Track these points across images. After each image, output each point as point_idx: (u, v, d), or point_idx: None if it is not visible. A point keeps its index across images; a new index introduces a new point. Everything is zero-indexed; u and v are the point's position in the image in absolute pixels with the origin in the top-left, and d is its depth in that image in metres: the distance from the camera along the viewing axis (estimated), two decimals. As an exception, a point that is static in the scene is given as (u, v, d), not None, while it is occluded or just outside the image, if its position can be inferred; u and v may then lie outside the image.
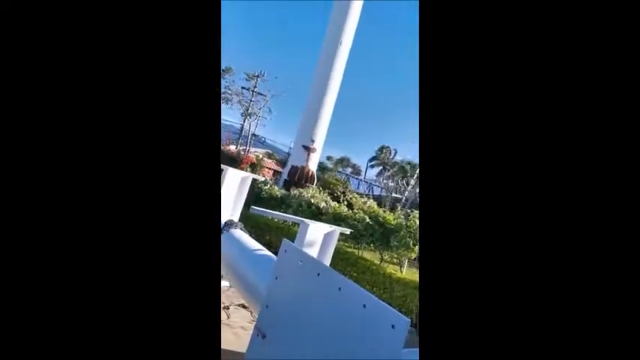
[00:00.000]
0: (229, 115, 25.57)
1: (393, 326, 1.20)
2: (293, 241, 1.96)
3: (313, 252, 2.34)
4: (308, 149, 14.58)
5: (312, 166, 15.03)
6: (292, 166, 14.63)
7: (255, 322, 1.77)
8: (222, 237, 2.62)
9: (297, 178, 14.02)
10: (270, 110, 23.77)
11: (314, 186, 8.65)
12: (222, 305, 3.09)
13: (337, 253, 6.19)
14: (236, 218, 3.27)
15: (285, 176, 14.41)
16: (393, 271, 5.27)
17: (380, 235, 5.62)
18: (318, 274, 1.57)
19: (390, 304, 1.33)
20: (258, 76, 24.00)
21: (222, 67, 24.37)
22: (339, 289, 1.45)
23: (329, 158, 29.96)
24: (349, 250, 5.98)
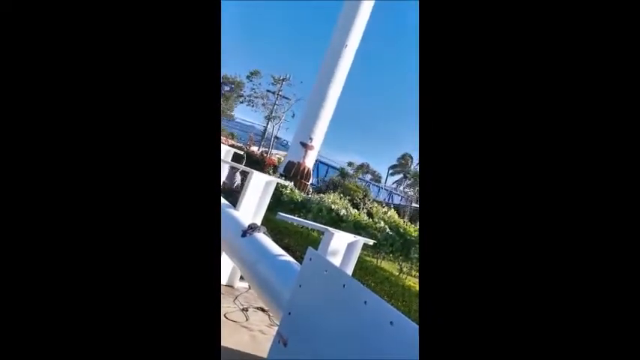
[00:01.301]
0: (253, 117, 25.99)
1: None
2: (315, 248, 1.96)
3: (336, 261, 2.33)
4: (305, 146, 14.65)
5: (309, 163, 15.09)
6: (289, 162, 14.73)
7: (275, 327, 1.77)
8: (246, 240, 2.65)
9: (293, 173, 14.13)
10: (293, 114, 23.93)
11: (335, 193, 8.62)
12: (240, 307, 3.12)
13: (356, 261, 6.12)
14: (259, 221, 3.31)
15: (281, 170, 14.41)
16: (412, 284, 5.17)
17: (400, 245, 5.54)
18: (344, 286, 1.55)
19: (408, 317, 1.30)
20: (284, 80, 24.29)
21: (251, 69, 24.82)
22: (365, 302, 1.43)
23: (350, 164, 29.88)
24: (368, 259, 5.92)
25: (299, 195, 7.91)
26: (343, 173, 21.65)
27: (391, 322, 1.31)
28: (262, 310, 3.14)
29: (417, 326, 1.25)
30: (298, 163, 14.64)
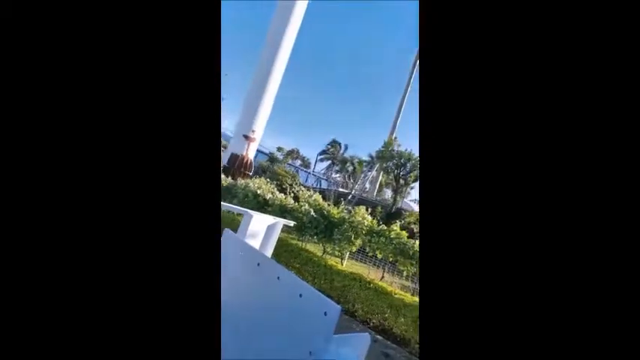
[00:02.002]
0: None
1: (325, 313, 1.28)
2: (236, 232, 1.96)
3: (256, 242, 2.37)
4: (248, 138, 14.93)
5: (251, 155, 15.52)
6: (232, 154, 15.06)
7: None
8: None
9: (237, 165, 14.56)
10: (221, 98, 22.82)
11: (262, 178, 8.58)
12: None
13: (281, 244, 6.23)
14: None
15: (224, 163, 14.65)
16: (334, 264, 5.45)
17: (324, 228, 5.77)
18: (258, 264, 1.60)
19: (329, 295, 1.40)
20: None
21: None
22: (278, 278, 1.50)
23: (279, 149, 29.73)
24: (293, 242, 6.06)
25: (224, 181, 7.69)
26: (272, 158, 21.48)
27: (300, 295, 1.40)
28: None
29: (325, 297, 1.36)
30: (240, 155, 14.97)
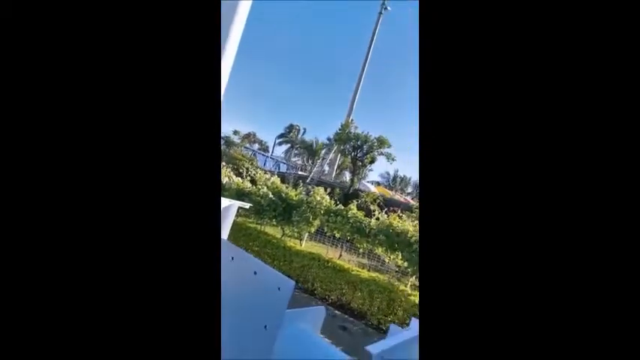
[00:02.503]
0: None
1: (279, 288, 1.32)
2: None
3: (210, 226, 2.33)
4: None
5: None
6: None
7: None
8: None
9: None
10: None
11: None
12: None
13: (240, 228, 6.17)
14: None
15: None
16: (293, 245, 5.52)
17: (282, 210, 5.79)
18: (212, 246, 1.60)
19: (289, 275, 1.43)
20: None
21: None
22: (232, 258, 1.51)
23: (235, 132, 28.92)
24: (252, 225, 6.03)
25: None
26: (228, 142, 20.88)
27: (255, 272, 1.43)
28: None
29: (279, 273, 1.40)
30: None
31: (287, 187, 6.10)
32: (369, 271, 5.38)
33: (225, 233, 2.46)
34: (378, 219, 5.30)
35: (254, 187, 6.15)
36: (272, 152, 35.75)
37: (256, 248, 5.37)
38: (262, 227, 6.07)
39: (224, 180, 6.34)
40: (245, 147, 25.92)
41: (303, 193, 6.00)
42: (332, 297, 4.99)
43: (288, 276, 1.42)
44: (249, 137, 32.86)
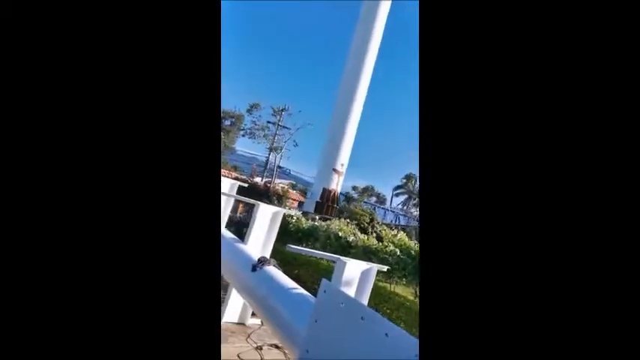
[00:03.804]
0: (255, 149, 26.33)
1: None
2: (324, 277, 1.90)
3: (351, 290, 2.27)
4: (337, 172, 15.96)
5: (338, 188, 16.71)
6: (324, 189, 16.46)
7: (293, 367, 1.69)
8: (256, 274, 2.59)
9: (327, 199, 15.90)
10: (295, 144, 24.28)
11: (341, 219, 8.57)
12: (255, 345, 3.00)
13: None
14: (268, 254, 3.25)
15: (317, 198, 15.76)
16: (428, 308, 5.00)
17: (412, 268, 5.41)
18: (362, 318, 1.49)
19: None
20: (283, 110, 24.78)
21: (251, 102, 25.44)
22: (386, 334, 1.37)
23: (354, 188, 29.86)
24: (381, 284, 5.78)
25: (305, 223, 7.85)
26: (348, 198, 21.58)
27: (416, 355, 1.24)
28: (277, 347, 3.03)
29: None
30: (331, 189, 16.47)
31: (415, 244, 5.75)
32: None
33: (365, 298, 2.35)
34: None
35: (380, 244, 5.99)
36: (390, 204, 35.25)
37: (388, 311, 5.04)
38: (392, 287, 5.74)
39: (350, 238, 6.39)
40: (364, 202, 26.29)
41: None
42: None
43: None
44: (367, 191, 33.39)
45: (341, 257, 2.27)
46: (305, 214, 12.34)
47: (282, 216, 3.43)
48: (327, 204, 15.70)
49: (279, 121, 24.74)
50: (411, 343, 1.26)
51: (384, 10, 17.32)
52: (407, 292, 5.77)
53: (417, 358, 1.22)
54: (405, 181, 35.62)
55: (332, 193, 16.36)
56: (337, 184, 16.69)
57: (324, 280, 1.76)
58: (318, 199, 15.93)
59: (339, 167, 16.60)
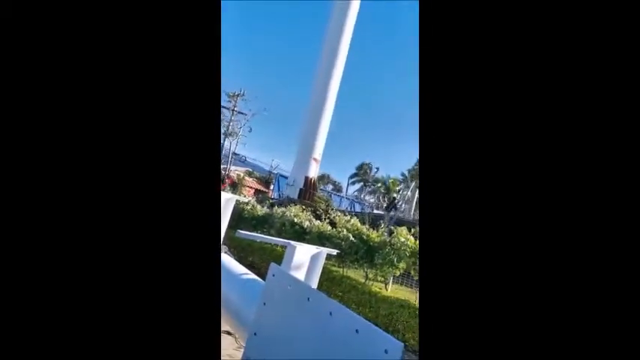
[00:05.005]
0: (209, 134, 25.28)
1: (386, 351, 1.18)
2: (279, 263, 1.93)
3: (301, 274, 2.31)
4: (316, 161, 16.99)
5: (314, 175, 17.82)
6: (306, 177, 17.27)
7: (242, 350, 1.70)
8: (206, 261, 2.54)
9: (309, 186, 16.80)
10: (250, 129, 23.77)
11: (297, 205, 8.62)
12: (205, 332, 2.97)
13: (322, 272, 6.10)
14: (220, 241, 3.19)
15: (301, 186, 16.42)
16: (378, 290, 5.25)
17: (364, 253, 5.62)
18: (308, 299, 1.54)
19: (376, 324, 1.31)
20: (238, 95, 24.04)
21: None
22: (330, 313, 1.43)
23: (312, 177, 29.95)
24: (334, 269, 5.94)
25: (260, 210, 7.80)
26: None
27: (357, 330, 1.32)
28: (229, 333, 3.02)
29: (383, 332, 1.27)
30: (312, 178, 17.30)
31: (367, 229, 5.96)
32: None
33: (315, 281, 2.41)
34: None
35: (334, 230, 6.13)
36: (346, 192, 35.99)
37: (340, 293, 5.21)
38: (345, 271, 5.93)
39: (306, 224, 6.46)
40: (320, 189, 26.55)
41: (385, 234, 5.78)
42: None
43: (376, 325, 1.27)
44: (324, 179, 33.74)
45: (291, 242, 2.31)
46: (278, 200, 12.70)
47: (234, 203, 3.38)
48: (310, 190, 16.58)
49: (234, 106, 23.99)
50: (353, 320, 1.33)
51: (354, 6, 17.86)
52: (358, 275, 6.00)
53: (358, 332, 1.29)
54: (360, 170, 36.49)
55: (312, 180, 17.30)
56: (315, 172, 17.56)
57: (272, 264, 1.78)
58: (302, 187, 16.66)
59: (317, 156, 17.50)
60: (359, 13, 18.90)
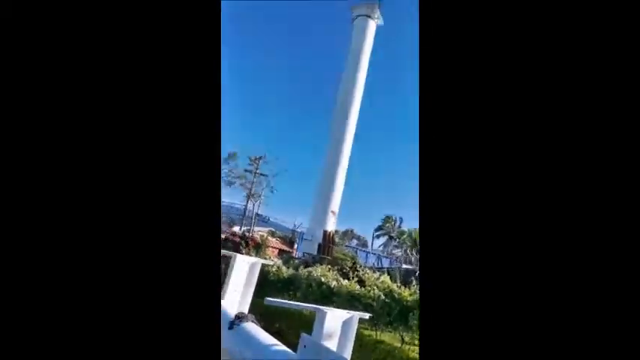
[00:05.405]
0: (232, 198, 26.05)
1: None
2: (307, 328, 1.82)
3: (332, 343, 2.16)
4: (334, 214, 17.03)
5: (332, 229, 17.70)
6: (324, 231, 17.02)
7: None
8: (233, 333, 2.44)
9: (328, 240, 16.59)
10: (272, 190, 24.31)
11: (323, 265, 8.40)
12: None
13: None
14: (246, 308, 3.09)
15: (319, 240, 16.68)
16: (417, 355, 4.80)
17: (398, 313, 5.26)
18: (345, 374, 1.42)
19: None
20: (260, 159, 25.01)
21: (226, 153, 25.65)
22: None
23: (335, 232, 29.60)
24: (366, 332, 5.54)
25: (285, 272, 7.62)
26: (329, 242, 21.28)
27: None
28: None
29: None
30: (330, 231, 17.26)
31: (399, 287, 5.65)
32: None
33: (348, 349, 2.24)
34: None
35: (363, 290, 5.85)
36: (371, 246, 34.99)
37: (375, 361, 4.80)
38: (378, 335, 5.52)
39: (333, 284, 6.22)
40: (345, 245, 26.00)
41: (418, 291, 5.45)
42: None
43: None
44: (348, 234, 33.17)
45: (320, 307, 2.20)
46: (301, 257, 12.49)
47: (259, 267, 3.32)
48: (329, 245, 16.49)
49: (256, 169, 24.86)
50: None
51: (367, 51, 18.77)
52: (393, 338, 5.55)
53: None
54: (384, 222, 35.76)
55: (330, 234, 17.27)
56: (333, 226, 17.53)
57: (303, 335, 1.69)
58: (320, 242, 16.64)
59: (334, 209, 17.49)
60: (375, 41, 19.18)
